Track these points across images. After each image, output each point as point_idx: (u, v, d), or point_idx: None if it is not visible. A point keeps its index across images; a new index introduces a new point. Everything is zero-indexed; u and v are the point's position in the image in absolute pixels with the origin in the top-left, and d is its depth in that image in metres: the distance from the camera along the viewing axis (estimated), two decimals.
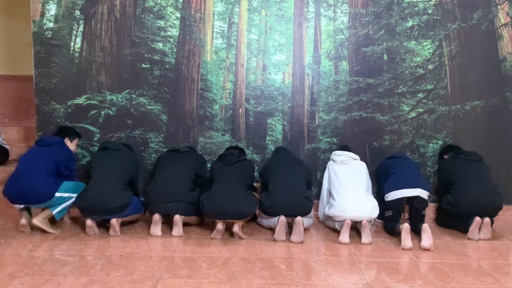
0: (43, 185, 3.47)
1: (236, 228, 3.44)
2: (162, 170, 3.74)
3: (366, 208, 3.48)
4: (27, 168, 3.52)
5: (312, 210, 3.72)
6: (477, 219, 3.46)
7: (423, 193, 3.53)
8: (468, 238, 3.51)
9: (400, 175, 3.68)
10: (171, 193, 3.51)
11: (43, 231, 3.55)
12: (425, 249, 3.28)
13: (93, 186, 3.56)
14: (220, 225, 3.45)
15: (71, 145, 3.86)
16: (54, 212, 3.54)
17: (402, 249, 3.31)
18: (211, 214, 3.48)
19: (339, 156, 3.86)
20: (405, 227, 3.35)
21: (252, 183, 3.80)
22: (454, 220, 3.68)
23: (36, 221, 3.49)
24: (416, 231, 3.49)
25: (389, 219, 3.63)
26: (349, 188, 3.59)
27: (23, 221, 3.55)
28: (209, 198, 3.50)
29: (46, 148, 3.64)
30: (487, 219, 3.49)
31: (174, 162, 3.76)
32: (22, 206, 3.54)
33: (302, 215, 3.49)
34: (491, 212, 3.56)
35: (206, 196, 3.52)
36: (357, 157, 3.89)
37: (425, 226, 3.34)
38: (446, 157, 4.03)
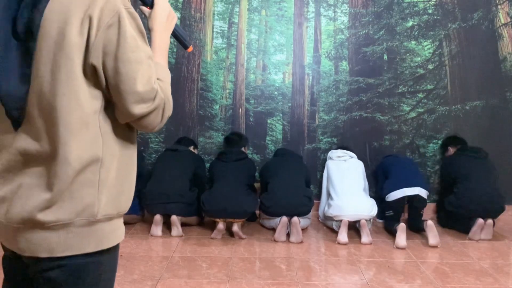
0: None
1: (235, 227, 3.44)
2: (159, 170, 3.71)
3: (365, 207, 3.48)
4: None
5: (311, 210, 3.73)
6: (480, 221, 3.44)
7: (423, 192, 3.54)
8: (470, 239, 3.50)
9: (399, 174, 3.67)
10: (168, 193, 3.50)
11: None
12: (433, 247, 3.30)
13: None
14: (221, 225, 3.45)
15: None
16: None
17: (396, 247, 3.32)
18: (212, 213, 3.49)
19: (336, 152, 3.90)
20: (401, 226, 3.37)
21: (253, 182, 3.80)
22: (456, 221, 3.66)
23: None
24: (417, 229, 3.54)
25: (390, 219, 3.63)
26: (346, 186, 3.60)
27: None
28: (209, 197, 3.50)
29: None
30: (489, 221, 3.47)
31: (172, 162, 3.73)
32: None
33: (303, 214, 3.50)
34: (494, 214, 3.55)
35: (207, 195, 3.53)
36: (354, 155, 3.89)
37: (430, 224, 3.36)
38: (451, 149, 3.99)
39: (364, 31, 4.21)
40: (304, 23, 4.24)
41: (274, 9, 4.24)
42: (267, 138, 4.29)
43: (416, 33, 4.20)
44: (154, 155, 4.20)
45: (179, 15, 4.20)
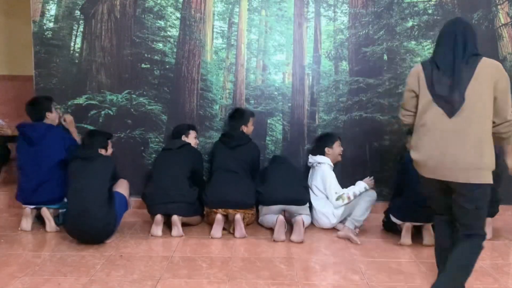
0: (55, 190, 3.55)
1: (238, 215, 3.47)
2: (157, 171, 3.70)
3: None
4: (34, 172, 3.53)
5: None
6: None
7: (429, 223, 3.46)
8: None
9: (411, 196, 3.35)
10: (169, 193, 3.50)
11: (44, 231, 3.56)
12: (428, 246, 3.32)
13: (73, 206, 3.21)
14: (219, 216, 3.48)
15: (53, 114, 3.71)
16: (61, 211, 3.62)
17: (400, 244, 3.35)
18: (213, 204, 3.53)
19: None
20: (406, 225, 3.39)
21: (257, 168, 3.84)
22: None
23: (46, 211, 3.55)
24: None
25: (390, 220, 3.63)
26: None
27: (24, 225, 3.57)
28: (210, 189, 3.58)
29: (39, 145, 3.53)
30: (488, 219, 3.48)
31: (168, 162, 3.71)
32: (32, 206, 3.60)
33: (299, 203, 3.53)
34: (492, 215, 3.55)
35: (208, 188, 3.61)
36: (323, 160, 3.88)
37: (427, 225, 3.39)
38: None
39: (364, 31, 4.21)
40: (304, 23, 4.24)
41: (274, 9, 4.24)
42: (267, 138, 4.29)
43: (416, 33, 4.20)
44: (154, 155, 4.20)
45: (179, 15, 4.20)
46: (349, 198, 3.63)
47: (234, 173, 3.62)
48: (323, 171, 3.79)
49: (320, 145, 3.95)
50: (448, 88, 2.27)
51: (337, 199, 3.65)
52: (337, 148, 3.93)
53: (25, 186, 3.56)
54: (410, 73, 2.48)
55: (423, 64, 2.42)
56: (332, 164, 3.89)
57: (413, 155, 2.42)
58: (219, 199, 3.50)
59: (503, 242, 3.49)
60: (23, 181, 3.58)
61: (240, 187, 3.54)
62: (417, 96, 2.41)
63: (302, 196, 3.60)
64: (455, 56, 2.29)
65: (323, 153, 3.90)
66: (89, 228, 3.17)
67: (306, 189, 3.71)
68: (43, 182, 3.52)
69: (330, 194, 3.69)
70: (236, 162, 3.67)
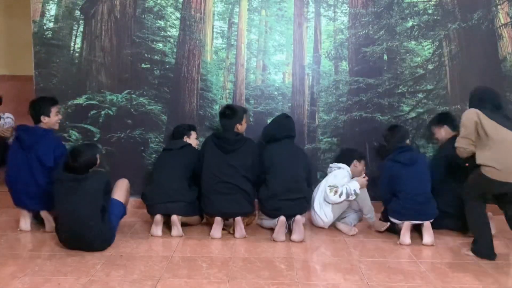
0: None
1: (239, 217, 3.48)
2: (158, 171, 3.69)
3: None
4: (29, 178, 3.43)
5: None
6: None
7: (430, 220, 3.46)
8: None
9: (406, 198, 3.41)
10: (168, 193, 3.50)
11: (44, 231, 3.55)
12: (427, 246, 3.34)
13: (65, 228, 3.13)
14: (219, 218, 3.49)
15: (52, 118, 3.54)
16: None
17: (400, 244, 3.36)
18: (212, 214, 3.54)
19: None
20: (406, 224, 3.40)
21: (256, 165, 3.63)
22: (451, 221, 3.65)
23: (45, 212, 3.53)
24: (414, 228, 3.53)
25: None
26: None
27: (23, 225, 3.57)
28: (207, 200, 3.53)
29: (31, 150, 3.42)
30: (489, 214, 3.47)
31: (169, 162, 3.68)
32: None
33: (299, 214, 3.50)
34: None
35: (205, 198, 3.55)
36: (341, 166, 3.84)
37: (427, 224, 3.40)
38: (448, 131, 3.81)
39: (364, 31, 4.21)
40: (304, 23, 4.24)
41: (274, 9, 4.24)
42: None
43: (416, 33, 4.20)
44: (154, 155, 4.20)
45: (179, 15, 4.20)
46: (336, 192, 3.54)
47: (230, 183, 3.48)
48: (339, 171, 3.74)
49: (349, 156, 3.88)
50: (506, 117, 3.06)
51: (330, 188, 3.58)
52: (363, 166, 3.89)
53: (21, 192, 3.46)
54: (468, 113, 3.07)
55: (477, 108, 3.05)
56: (351, 174, 3.78)
57: (486, 161, 2.95)
58: (218, 211, 3.49)
59: (503, 242, 3.49)
60: (19, 186, 3.46)
61: (238, 197, 3.49)
62: (477, 128, 2.99)
63: (301, 210, 3.52)
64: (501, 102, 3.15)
65: (348, 164, 3.82)
66: (84, 247, 3.13)
67: (307, 200, 3.61)
68: (40, 190, 3.42)
69: (330, 183, 3.65)
70: (233, 170, 3.51)
